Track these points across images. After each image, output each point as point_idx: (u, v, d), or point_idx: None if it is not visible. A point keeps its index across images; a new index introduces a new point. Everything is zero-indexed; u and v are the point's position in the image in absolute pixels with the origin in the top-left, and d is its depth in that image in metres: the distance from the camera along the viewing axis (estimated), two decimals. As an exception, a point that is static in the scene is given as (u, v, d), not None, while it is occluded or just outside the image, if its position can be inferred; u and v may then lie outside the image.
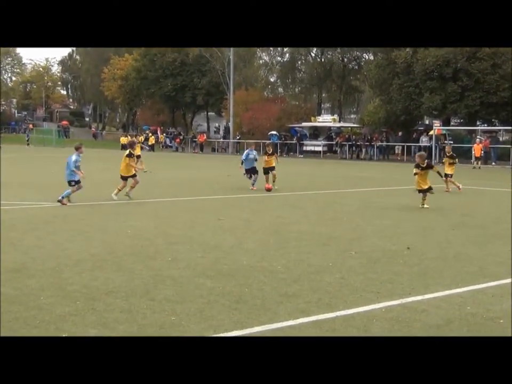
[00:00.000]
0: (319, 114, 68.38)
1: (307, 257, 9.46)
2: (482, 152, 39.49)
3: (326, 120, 59.26)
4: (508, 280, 8.05)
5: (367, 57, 68.40)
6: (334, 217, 14.27)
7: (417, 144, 47.20)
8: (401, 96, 48.07)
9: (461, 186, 20.34)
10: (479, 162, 38.42)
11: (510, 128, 43.49)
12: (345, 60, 70.65)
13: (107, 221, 13.11)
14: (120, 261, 9.00)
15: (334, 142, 53.20)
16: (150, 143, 53.64)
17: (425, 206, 15.81)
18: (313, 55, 72.62)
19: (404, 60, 47.55)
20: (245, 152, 21.54)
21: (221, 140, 65.66)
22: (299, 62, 74.52)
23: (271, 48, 74.84)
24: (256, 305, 6.79)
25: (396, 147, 48.61)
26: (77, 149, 16.23)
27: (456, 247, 10.53)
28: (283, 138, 55.50)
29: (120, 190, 16.86)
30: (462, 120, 51.17)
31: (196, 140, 60.61)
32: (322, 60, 70.79)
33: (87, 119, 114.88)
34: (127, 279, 7.89)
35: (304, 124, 57.41)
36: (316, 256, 9.53)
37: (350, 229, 12.38)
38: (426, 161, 16.11)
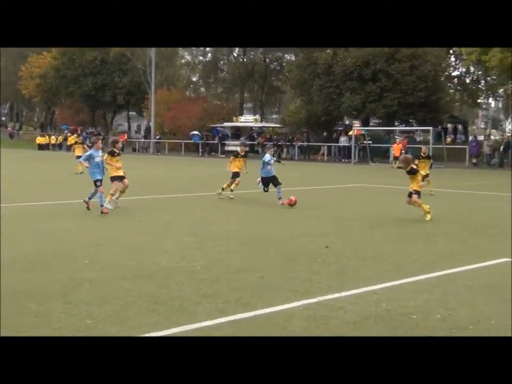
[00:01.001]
0: (241, 114, 68.58)
1: (226, 257, 9.47)
2: (402, 152, 40.39)
3: (247, 120, 59.42)
4: (421, 277, 8.28)
5: (288, 57, 69.09)
6: (255, 217, 14.35)
7: (337, 144, 48.01)
8: (321, 96, 48.75)
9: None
10: (397, 162, 39.31)
11: (426, 128, 44.67)
12: (267, 60, 71.19)
13: (35, 222, 12.77)
14: (40, 263, 8.79)
15: (256, 142, 53.46)
16: (68, 143, 52.57)
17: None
18: (235, 55, 72.82)
19: (324, 60, 48.26)
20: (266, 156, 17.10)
21: (142, 140, 64.97)
22: (221, 62, 74.62)
23: (194, 47, 74.67)
24: (174, 306, 6.74)
25: (322, 147, 49.13)
26: (94, 144, 14.91)
27: (374, 245, 10.75)
28: (205, 138, 55.39)
29: (113, 195, 15.18)
30: (380, 121, 52.28)
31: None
32: (245, 60, 71.06)
33: (3, 118, 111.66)
34: (44, 282, 7.71)
35: (226, 124, 57.44)
36: (235, 256, 9.55)
37: (270, 229, 12.47)
38: (410, 165, 14.74)
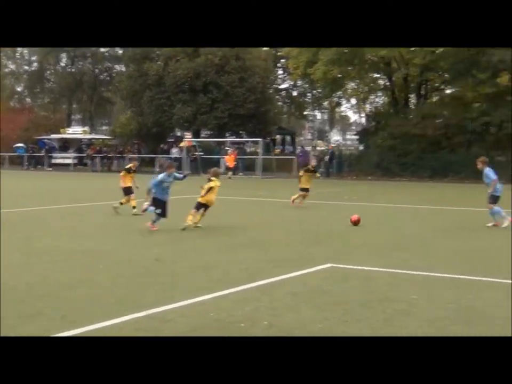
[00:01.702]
0: (69, 125, 66.63)
1: (52, 273, 9.06)
2: (235, 162, 41.04)
3: (76, 131, 57.81)
4: (249, 285, 8.36)
5: (119, 68, 68.13)
6: (81, 231, 13.90)
7: (168, 156, 47.89)
8: (152, 108, 48.44)
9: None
10: (230, 173, 39.91)
11: (256, 139, 45.72)
12: (97, 70, 69.79)
13: None
14: None
15: (85, 154, 52.17)
16: None
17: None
18: (63, 64, 70.76)
19: (155, 72, 48.01)
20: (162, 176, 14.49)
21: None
22: (48, 72, 72.07)
23: (18, 56, 71.77)
24: (-8, 328, 6.32)
25: (157, 158, 48.59)
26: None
27: (204, 255, 10.75)
28: (31, 151, 53.27)
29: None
30: (211, 132, 52.82)
31: None
32: (73, 69, 69.23)
33: None
34: None
35: (53, 136, 55.51)
36: (61, 272, 9.16)
37: (98, 243, 12.13)
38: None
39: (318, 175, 20.53)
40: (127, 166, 19.04)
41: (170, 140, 51.11)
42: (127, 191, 17.66)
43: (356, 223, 14.82)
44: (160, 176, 14.23)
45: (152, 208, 13.84)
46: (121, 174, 18.40)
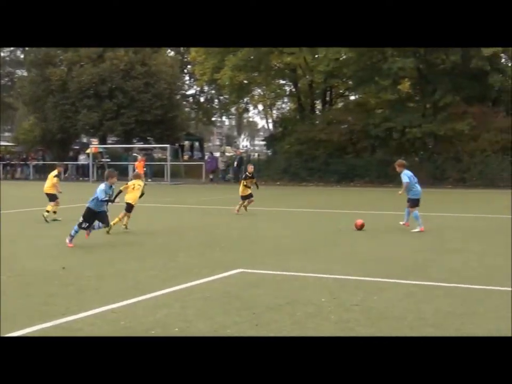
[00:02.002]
0: (-30, 132, 64.36)
1: (-46, 285, 8.75)
2: (144, 169, 40.56)
3: (-23, 138, 56.02)
4: (160, 292, 8.35)
5: (20, 73, 66.34)
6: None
7: (75, 163, 47.03)
8: (56, 114, 47.39)
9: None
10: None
11: (164, 145, 45.45)
12: (-3, 75, 67.71)
13: None
14: None
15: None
16: None
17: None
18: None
19: (59, 77, 47.01)
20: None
21: None
22: None
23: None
24: None
25: (70, 166, 47.53)
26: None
27: (114, 264, 10.63)
28: None
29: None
30: (118, 138, 52.17)
31: None
32: (-28, 75, 66.93)
33: None
34: None
35: (-48, 143, 53.54)
36: (-37, 284, 8.86)
37: (3, 251, 11.78)
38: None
39: (254, 180, 19.71)
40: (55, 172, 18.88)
41: (75, 147, 50.11)
42: (52, 197, 17.63)
43: (360, 227, 14.88)
44: (100, 188, 12.75)
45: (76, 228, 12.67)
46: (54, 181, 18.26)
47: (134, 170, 40.86)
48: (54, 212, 17.25)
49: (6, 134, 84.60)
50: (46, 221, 16.84)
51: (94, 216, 12.82)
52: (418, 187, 15.36)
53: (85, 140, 57.57)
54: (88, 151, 45.27)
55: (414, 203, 15.18)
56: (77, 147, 49.94)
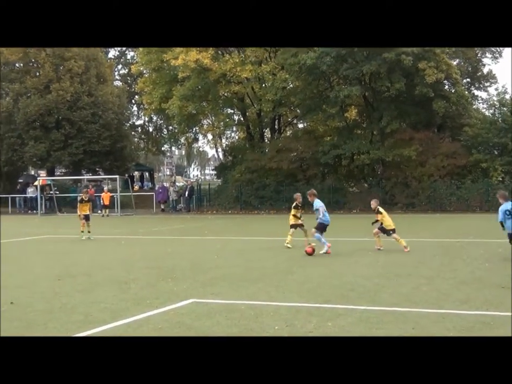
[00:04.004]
0: None
1: None
2: (110, 199, 40.11)
3: None
4: (112, 325, 8.20)
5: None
6: None
7: (23, 195, 46.25)
8: (3, 147, 46.68)
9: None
10: (107, 211, 39.00)
11: (113, 176, 45.04)
12: None
13: None
14: None
15: None
16: None
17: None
18: None
19: (5, 109, 46.38)
20: None
21: None
22: None
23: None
24: None
25: (17, 199, 46.54)
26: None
27: (63, 297, 10.41)
28: None
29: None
30: (67, 170, 51.56)
31: None
32: None
33: None
34: None
35: None
36: None
37: None
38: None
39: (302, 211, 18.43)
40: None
41: (21, 180, 49.27)
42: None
43: (311, 253, 15.64)
44: None
45: None
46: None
47: (101, 201, 40.54)
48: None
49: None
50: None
51: None
52: (327, 215, 16.73)
53: (32, 172, 56.73)
54: (36, 183, 44.57)
55: (323, 227, 16.45)
56: (21, 181, 49.03)
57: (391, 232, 16.76)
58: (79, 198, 23.01)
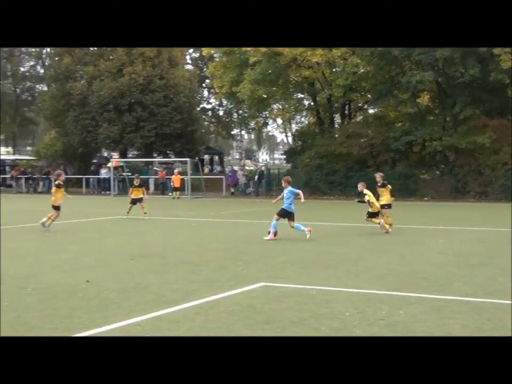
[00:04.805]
0: (-8, 146, 65.10)
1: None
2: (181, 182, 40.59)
3: (-2, 152, 56.71)
4: (183, 306, 8.32)
5: (40, 88, 66.98)
6: (9, 254, 13.52)
7: (96, 177, 47.31)
8: (77, 128, 47.75)
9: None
10: (178, 193, 39.52)
11: (184, 159, 45.54)
12: (18, 90, 68.42)
13: None
14: None
15: (9, 176, 50.99)
16: None
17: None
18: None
19: (79, 91, 47.38)
20: None
21: None
22: (-33, 91, 70.06)
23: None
24: None
25: (91, 180, 47.79)
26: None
27: (136, 277, 10.62)
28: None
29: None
30: (139, 152, 52.44)
31: None
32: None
33: None
34: None
35: (-25, 157, 54.14)
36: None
37: (26, 266, 11.83)
38: None
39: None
40: (56, 182, 20.19)
41: (94, 161, 50.36)
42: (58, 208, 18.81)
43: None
44: None
45: None
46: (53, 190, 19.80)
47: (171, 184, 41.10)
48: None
49: (28, 148, 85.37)
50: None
51: None
52: (293, 205, 16.60)
53: (105, 154, 57.93)
54: (109, 165, 45.53)
55: (284, 214, 16.41)
56: (95, 161, 50.15)
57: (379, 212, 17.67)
58: (132, 184, 24.41)
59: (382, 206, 17.93)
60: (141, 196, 23.19)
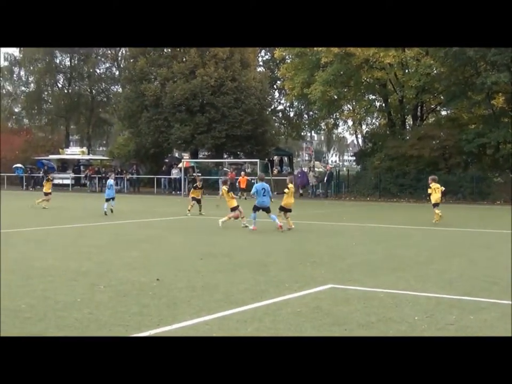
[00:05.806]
0: (68, 146, 66.90)
1: (53, 293, 9.08)
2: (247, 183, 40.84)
3: (74, 152, 58.21)
4: (251, 306, 8.39)
5: (115, 89, 68.47)
6: (82, 251, 13.90)
7: (167, 177, 48.04)
8: (150, 128, 48.57)
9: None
10: (245, 194, 39.78)
11: (254, 160, 45.76)
12: (94, 91, 70.09)
13: None
14: None
15: (83, 175, 52.33)
16: None
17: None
18: (60, 85, 71.08)
19: (153, 93, 48.19)
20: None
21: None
22: (45, 93, 72.18)
23: (15, 77, 72.12)
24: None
25: (162, 180, 48.62)
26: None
27: (204, 276, 10.77)
28: (29, 171, 53.31)
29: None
30: (209, 153, 52.97)
31: None
32: (69, 91, 69.53)
33: None
34: None
35: (51, 156, 55.64)
36: (62, 292, 9.18)
37: (99, 263, 12.14)
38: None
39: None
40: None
41: (166, 161, 51.10)
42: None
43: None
44: None
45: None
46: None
47: (236, 184, 41.47)
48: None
49: (102, 148, 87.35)
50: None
51: None
52: (266, 199, 19.03)
53: (176, 155, 58.74)
54: (180, 165, 46.16)
55: (257, 208, 19.00)
56: (166, 161, 50.89)
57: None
58: (194, 184, 26.80)
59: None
60: (199, 197, 25.22)
